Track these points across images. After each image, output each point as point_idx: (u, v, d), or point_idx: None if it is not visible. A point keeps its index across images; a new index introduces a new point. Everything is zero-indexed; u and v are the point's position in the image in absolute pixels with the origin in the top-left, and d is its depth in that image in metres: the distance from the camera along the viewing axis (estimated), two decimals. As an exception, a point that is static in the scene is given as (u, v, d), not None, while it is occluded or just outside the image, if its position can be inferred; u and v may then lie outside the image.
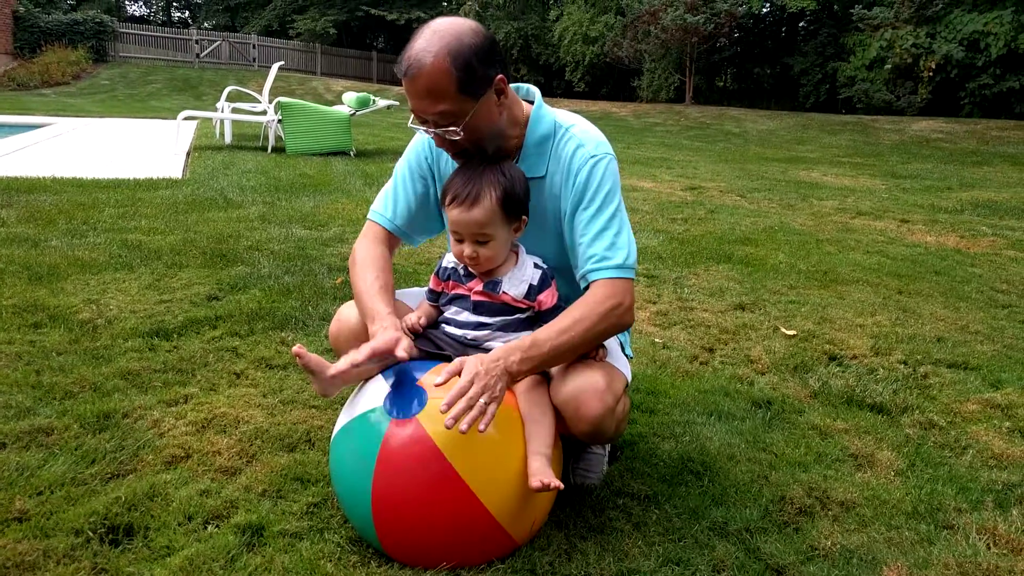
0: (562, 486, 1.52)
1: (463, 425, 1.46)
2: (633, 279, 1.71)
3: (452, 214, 1.68)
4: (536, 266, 1.76)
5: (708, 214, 6.24)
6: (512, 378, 1.57)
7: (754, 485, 1.99)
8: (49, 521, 1.65)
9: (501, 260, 1.73)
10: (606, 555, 1.65)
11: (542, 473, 1.53)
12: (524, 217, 1.73)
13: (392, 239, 1.91)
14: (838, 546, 1.74)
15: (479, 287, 1.74)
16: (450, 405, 1.47)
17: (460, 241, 1.70)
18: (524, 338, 1.61)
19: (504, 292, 1.73)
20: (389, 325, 1.64)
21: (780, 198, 7.35)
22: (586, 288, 1.72)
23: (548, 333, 1.61)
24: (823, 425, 2.39)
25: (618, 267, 1.68)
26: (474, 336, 1.74)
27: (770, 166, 10.48)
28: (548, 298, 1.74)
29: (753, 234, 5.46)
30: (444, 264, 1.81)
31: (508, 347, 1.59)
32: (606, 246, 1.69)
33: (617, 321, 1.67)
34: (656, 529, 1.77)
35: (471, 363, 1.54)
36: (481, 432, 1.49)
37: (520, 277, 1.74)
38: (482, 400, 1.49)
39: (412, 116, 1.67)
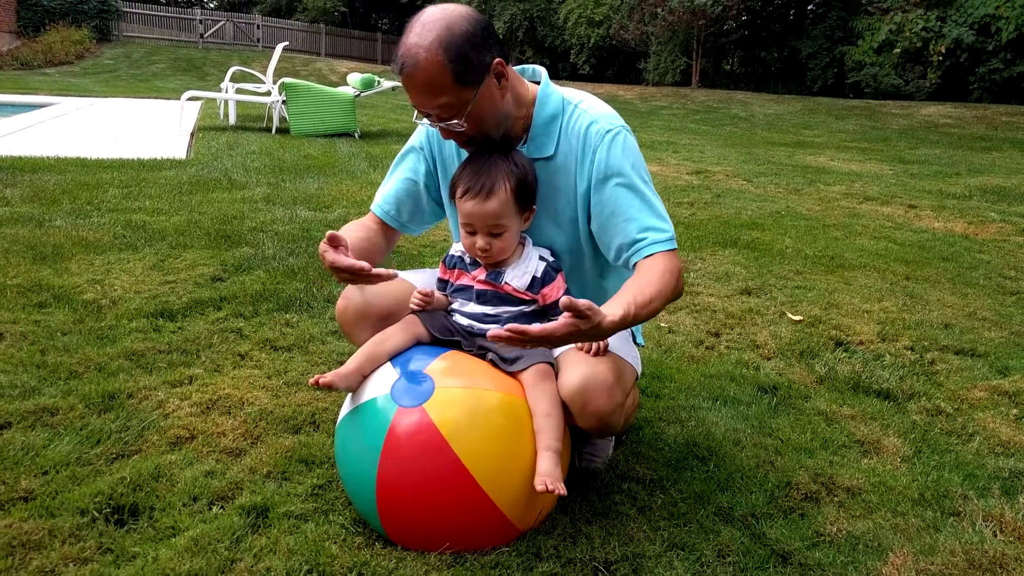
0: (565, 492, 1.51)
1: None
2: None
3: (465, 207, 1.65)
4: (542, 258, 1.74)
5: (714, 198, 6.21)
6: (606, 334, 1.48)
7: (760, 470, 1.99)
8: (55, 500, 1.65)
9: (512, 251, 1.72)
10: (611, 539, 1.65)
11: (549, 475, 1.52)
12: (533, 207, 1.72)
13: (384, 227, 1.91)
14: (844, 532, 1.73)
15: (482, 276, 1.73)
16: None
17: (472, 234, 1.68)
18: (628, 304, 1.48)
19: (506, 283, 1.71)
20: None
21: (787, 183, 7.31)
22: (633, 266, 1.65)
23: (639, 306, 1.49)
24: (829, 411, 2.38)
25: (670, 239, 1.66)
26: (480, 327, 1.73)
27: (777, 150, 10.41)
28: (553, 292, 1.71)
29: (759, 219, 5.42)
30: (452, 252, 1.81)
31: (618, 304, 1.47)
32: (653, 220, 1.66)
33: (678, 295, 1.66)
34: (661, 514, 1.76)
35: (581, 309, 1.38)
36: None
37: (524, 268, 1.72)
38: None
39: (416, 111, 1.65)
